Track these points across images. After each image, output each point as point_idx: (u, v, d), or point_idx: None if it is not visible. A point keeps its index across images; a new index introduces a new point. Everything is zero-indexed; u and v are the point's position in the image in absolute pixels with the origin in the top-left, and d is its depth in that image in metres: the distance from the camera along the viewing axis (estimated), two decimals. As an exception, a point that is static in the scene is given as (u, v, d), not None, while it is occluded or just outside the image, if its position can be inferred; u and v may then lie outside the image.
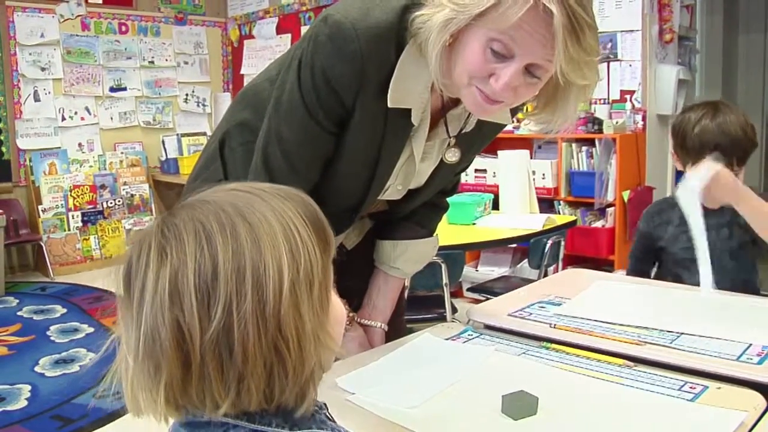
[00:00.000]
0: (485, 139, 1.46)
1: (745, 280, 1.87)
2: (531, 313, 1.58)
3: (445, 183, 1.52)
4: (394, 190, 1.41)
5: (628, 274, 2.10)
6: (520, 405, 1.10)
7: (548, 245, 3.40)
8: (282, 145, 1.26)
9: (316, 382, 0.74)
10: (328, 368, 0.77)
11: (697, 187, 1.65)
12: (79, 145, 6.47)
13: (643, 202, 3.98)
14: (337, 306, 0.79)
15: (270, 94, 1.32)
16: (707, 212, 1.92)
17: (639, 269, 2.09)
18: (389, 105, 1.22)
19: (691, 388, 1.21)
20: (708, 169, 1.66)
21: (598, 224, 4.55)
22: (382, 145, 1.28)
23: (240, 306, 0.67)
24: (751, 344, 1.36)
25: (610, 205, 4.50)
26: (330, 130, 1.25)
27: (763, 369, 1.25)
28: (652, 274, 2.13)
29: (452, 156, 1.38)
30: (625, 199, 4.43)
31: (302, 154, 1.27)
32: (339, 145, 1.28)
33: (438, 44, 1.11)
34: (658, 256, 2.06)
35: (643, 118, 4.63)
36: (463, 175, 1.67)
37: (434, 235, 1.59)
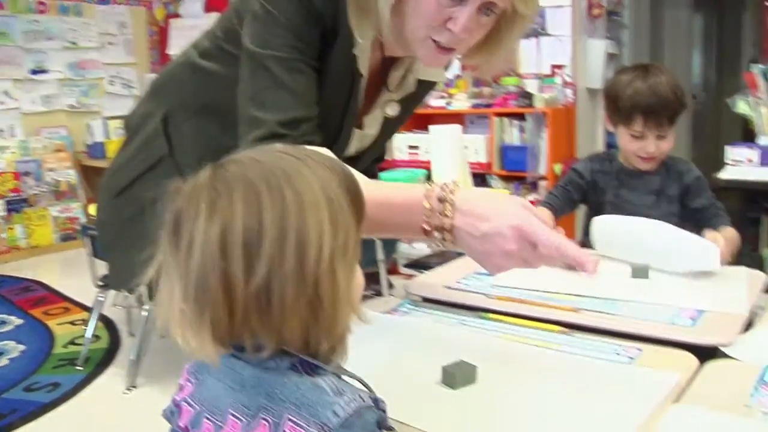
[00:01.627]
0: (419, 98, 1.50)
1: None
2: (467, 285, 1.57)
3: (381, 148, 1.53)
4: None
5: (545, 203, 2.08)
6: (459, 374, 1.09)
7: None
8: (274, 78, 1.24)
9: (346, 343, 0.80)
10: (349, 332, 0.81)
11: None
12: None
13: (575, 175, 4.01)
14: (359, 273, 0.83)
15: (204, 66, 1.34)
16: (637, 173, 1.96)
17: (560, 202, 2.08)
18: (359, 38, 1.24)
19: (626, 352, 1.22)
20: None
21: (531, 197, 4.60)
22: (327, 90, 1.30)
23: (281, 266, 0.71)
24: (683, 308, 1.38)
25: (543, 178, 4.55)
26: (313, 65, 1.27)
27: (695, 331, 1.28)
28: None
29: (392, 110, 1.40)
30: (557, 172, 4.48)
31: (297, 79, 1.25)
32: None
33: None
34: (583, 199, 2.08)
35: (574, 92, 4.68)
36: (396, 151, 1.71)
37: None
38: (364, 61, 1.28)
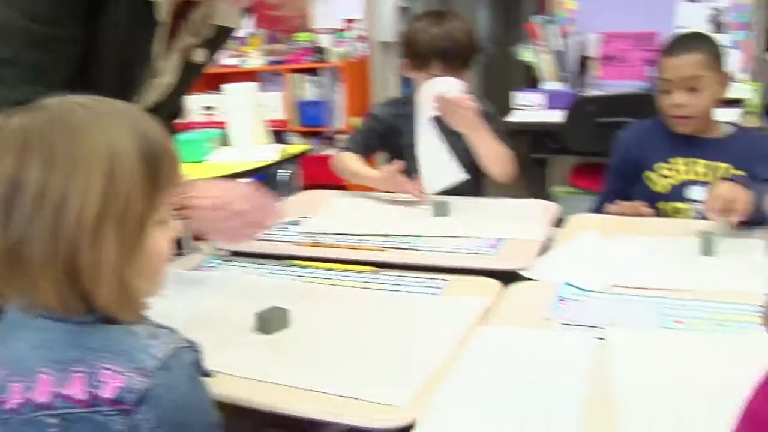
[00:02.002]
0: (218, 44, 1.45)
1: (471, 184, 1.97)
2: (274, 234, 1.55)
3: (178, 101, 1.48)
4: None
5: (348, 147, 2.11)
6: (273, 320, 1.08)
7: (286, 176, 3.40)
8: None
9: (126, 312, 0.74)
10: (145, 304, 0.78)
11: (442, 93, 1.77)
12: None
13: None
14: (158, 243, 0.77)
15: None
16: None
17: (363, 146, 2.11)
18: None
19: (435, 284, 1.25)
20: (455, 85, 1.78)
21: (330, 152, 4.63)
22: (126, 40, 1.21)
23: (36, 225, 0.68)
24: (484, 238, 1.44)
25: (340, 132, 4.58)
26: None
27: (497, 258, 1.35)
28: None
29: (199, 56, 1.36)
30: (355, 125, 4.52)
31: (43, 56, 1.13)
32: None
33: None
34: (383, 143, 2.11)
35: (367, 46, 4.73)
36: (191, 113, 1.66)
37: None
38: (163, 7, 1.21)
